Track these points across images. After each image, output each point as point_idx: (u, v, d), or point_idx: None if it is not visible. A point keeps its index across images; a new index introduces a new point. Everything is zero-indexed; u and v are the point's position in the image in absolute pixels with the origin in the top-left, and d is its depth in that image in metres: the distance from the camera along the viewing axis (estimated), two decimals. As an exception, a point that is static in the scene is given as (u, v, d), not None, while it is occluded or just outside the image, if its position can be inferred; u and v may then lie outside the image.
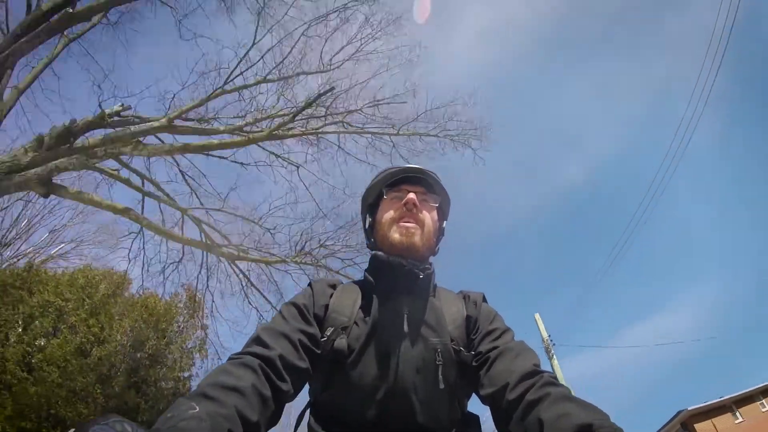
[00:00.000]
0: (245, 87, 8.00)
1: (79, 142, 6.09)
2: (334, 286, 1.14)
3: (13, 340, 10.11)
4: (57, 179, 6.33)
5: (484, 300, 1.17)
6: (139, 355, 11.52)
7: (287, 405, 0.92)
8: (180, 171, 8.19)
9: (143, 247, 8.20)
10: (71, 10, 5.34)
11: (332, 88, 7.92)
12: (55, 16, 5.27)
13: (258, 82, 8.04)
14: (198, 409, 0.67)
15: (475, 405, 1.08)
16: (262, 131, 7.78)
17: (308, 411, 1.07)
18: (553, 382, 0.85)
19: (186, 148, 7.55)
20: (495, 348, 0.99)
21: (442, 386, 0.97)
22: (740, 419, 21.91)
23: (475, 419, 1.07)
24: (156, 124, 6.85)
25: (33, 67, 7.00)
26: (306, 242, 8.28)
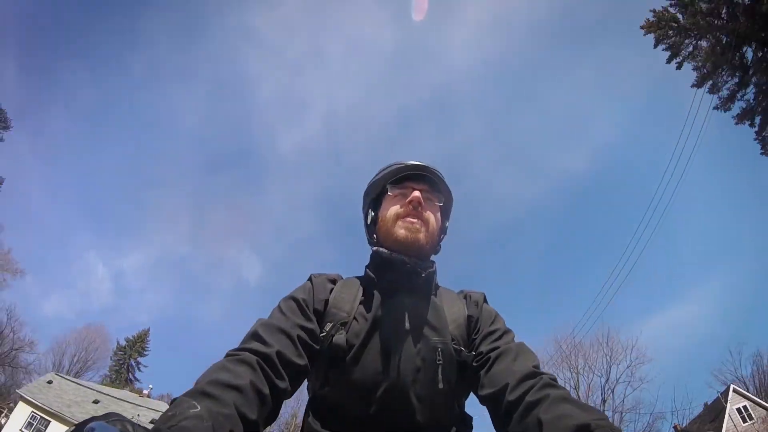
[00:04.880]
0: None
1: None
2: (334, 281, 1.13)
3: None
4: None
5: (485, 300, 1.17)
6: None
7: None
8: None
9: None
10: None
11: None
12: None
13: None
14: (199, 408, 0.66)
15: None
16: None
17: (306, 407, 1.07)
18: (553, 383, 0.86)
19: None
20: (495, 348, 0.99)
21: (441, 386, 0.97)
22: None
23: (469, 419, 1.08)
24: None
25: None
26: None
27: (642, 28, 14.63)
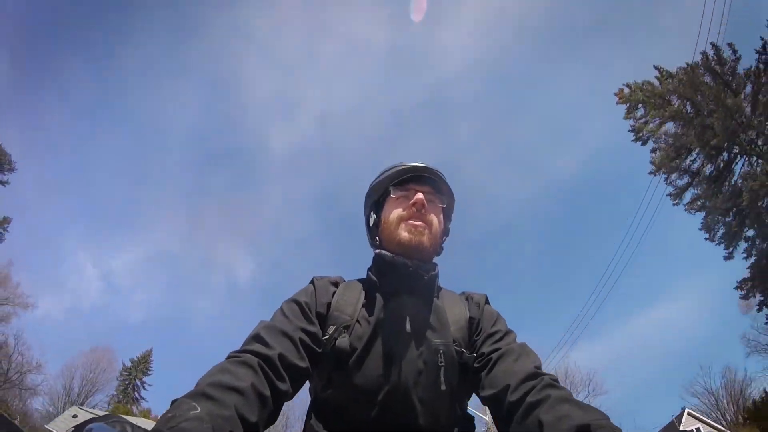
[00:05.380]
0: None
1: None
2: (336, 284, 1.13)
3: None
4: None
5: (487, 302, 1.17)
6: None
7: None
8: None
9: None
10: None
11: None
12: None
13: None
14: (199, 410, 0.67)
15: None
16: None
17: (308, 409, 1.07)
18: (554, 384, 0.85)
19: None
20: (497, 350, 0.99)
21: (443, 388, 0.97)
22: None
23: (471, 420, 1.08)
24: None
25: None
26: None
27: (616, 95, 15.52)
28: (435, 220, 1.14)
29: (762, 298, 14.03)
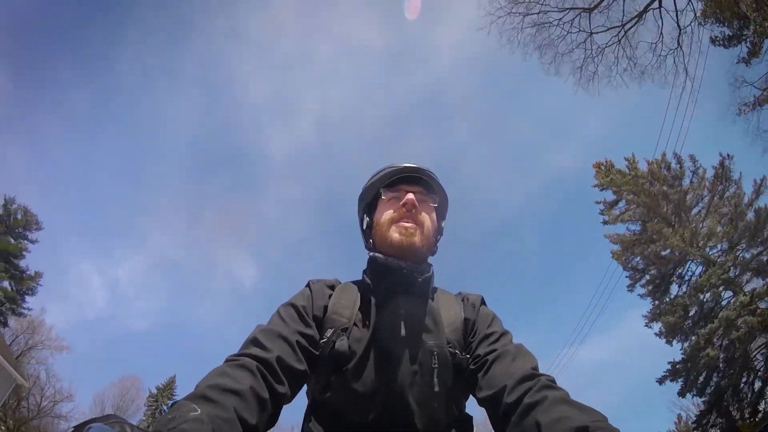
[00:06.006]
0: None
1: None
2: (332, 287, 1.14)
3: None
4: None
5: (483, 303, 1.17)
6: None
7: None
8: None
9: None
10: None
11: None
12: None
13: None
14: (199, 412, 0.68)
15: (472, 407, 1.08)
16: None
17: (305, 412, 1.07)
18: (551, 385, 0.85)
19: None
20: (493, 351, 0.99)
21: (437, 389, 0.97)
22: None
23: (468, 420, 1.07)
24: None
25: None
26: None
27: (594, 167, 16.33)
28: (427, 219, 1.14)
29: (683, 384, 14.63)
